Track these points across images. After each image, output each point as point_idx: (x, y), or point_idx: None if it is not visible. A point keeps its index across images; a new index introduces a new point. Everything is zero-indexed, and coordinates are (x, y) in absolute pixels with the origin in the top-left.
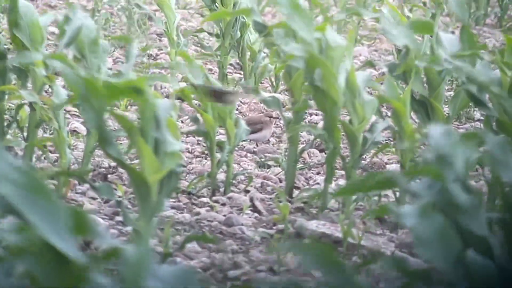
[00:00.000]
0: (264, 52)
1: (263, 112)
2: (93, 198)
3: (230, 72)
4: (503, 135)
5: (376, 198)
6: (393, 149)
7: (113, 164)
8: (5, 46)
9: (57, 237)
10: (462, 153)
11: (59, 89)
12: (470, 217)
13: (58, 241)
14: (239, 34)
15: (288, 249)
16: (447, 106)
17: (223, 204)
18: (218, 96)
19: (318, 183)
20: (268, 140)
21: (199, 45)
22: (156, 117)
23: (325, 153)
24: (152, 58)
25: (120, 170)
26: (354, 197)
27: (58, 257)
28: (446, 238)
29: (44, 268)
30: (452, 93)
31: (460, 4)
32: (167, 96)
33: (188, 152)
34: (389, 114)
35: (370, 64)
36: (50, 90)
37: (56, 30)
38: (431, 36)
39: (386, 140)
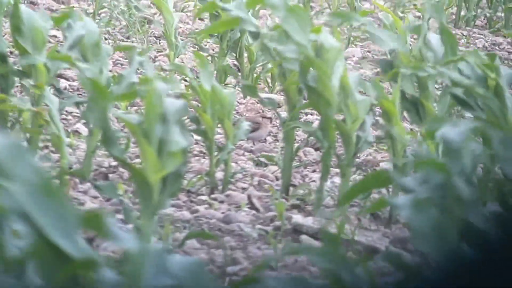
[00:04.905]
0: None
1: (260, 112)
2: (95, 197)
3: None
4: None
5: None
6: (386, 147)
7: (114, 163)
8: (8, 49)
9: (61, 237)
10: (469, 148)
11: (50, 96)
12: (470, 210)
13: (62, 240)
14: (238, 34)
15: (294, 251)
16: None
17: (221, 202)
18: None
19: (314, 181)
20: (265, 139)
21: (196, 47)
22: (164, 116)
23: (320, 152)
24: (152, 60)
25: (120, 169)
26: None
27: (62, 257)
28: (441, 231)
29: (48, 268)
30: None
31: (436, 8)
32: None
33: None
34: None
35: (364, 60)
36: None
37: (57, 33)
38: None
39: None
